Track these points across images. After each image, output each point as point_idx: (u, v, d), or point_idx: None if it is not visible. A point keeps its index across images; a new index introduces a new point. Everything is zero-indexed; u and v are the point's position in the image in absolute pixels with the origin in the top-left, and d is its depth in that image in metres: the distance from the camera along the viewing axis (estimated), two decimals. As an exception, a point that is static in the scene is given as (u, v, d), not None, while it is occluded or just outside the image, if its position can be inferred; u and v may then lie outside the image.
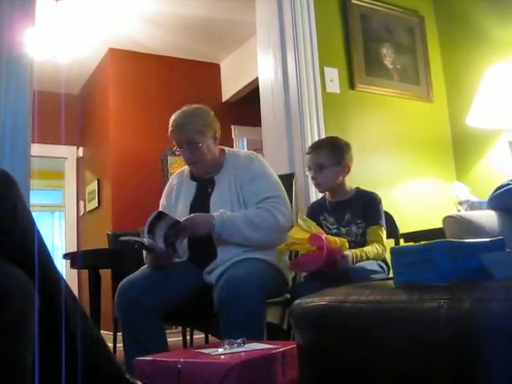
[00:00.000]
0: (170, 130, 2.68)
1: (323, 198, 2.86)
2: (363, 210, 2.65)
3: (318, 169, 2.68)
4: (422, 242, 3.05)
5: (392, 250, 1.59)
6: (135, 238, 2.45)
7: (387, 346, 1.37)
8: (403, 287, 1.46)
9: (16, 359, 1.07)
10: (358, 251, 2.45)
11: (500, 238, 1.51)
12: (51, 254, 1.28)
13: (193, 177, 2.81)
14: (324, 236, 2.33)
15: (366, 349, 1.43)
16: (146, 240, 2.39)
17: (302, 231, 2.41)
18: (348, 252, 2.39)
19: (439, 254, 1.42)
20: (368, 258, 2.46)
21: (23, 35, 2.76)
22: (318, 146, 2.77)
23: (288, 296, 2.68)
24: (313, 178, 2.73)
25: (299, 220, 2.51)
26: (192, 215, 2.48)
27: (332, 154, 2.68)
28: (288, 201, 2.70)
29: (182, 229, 2.42)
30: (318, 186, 2.75)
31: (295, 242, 2.42)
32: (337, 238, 2.41)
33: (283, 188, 2.73)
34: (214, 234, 2.50)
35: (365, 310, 1.46)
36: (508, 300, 1.16)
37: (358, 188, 2.76)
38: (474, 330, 1.19)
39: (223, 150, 2.80)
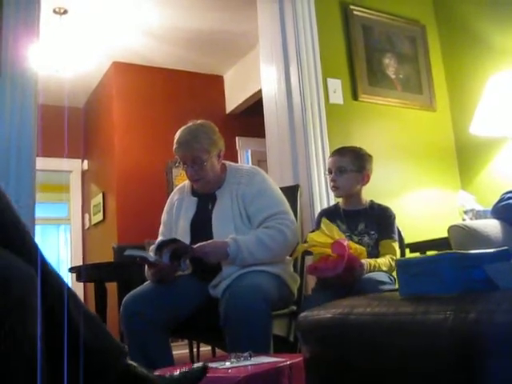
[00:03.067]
0: (174, 146, 2.67)
1: (336, 206, 2.87)
2: (377, 223, 2.67)
3: (338, 172, 2.71)
4: (428, 253, 3.06)
5: (397, 262, 1.59)
6: (140, 254, 2.47)
7: (393, 358, 1.37)
8: (409, 299, 1.46)
9: (26, 332, 1.09)
10: (372, 261, 2.45)
11: (505, 248, 1.51)
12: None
13: (194, 192, 2.81)
14: (346, 243, 2.33)
15: (372, 361, 1.43)
16: (151, 255, 2.41)
17: (324, 235, 2.42)
18: (363, 261, 2.40)
19: (444, 266, 1.42)
20: (380, 270, 2.47)
21: (27, 50, 2.77)
22: (342, 150, 2.80)
23: (294, 308, 2.68)
24: (332, 181, 2.74)
25: (322, 223, 2.51)
26: (204, 243, 2.46)
27: (355, 160, 2.72)
28: (293, 214, 2.70)
29: (191, 252, 2.43)
30: (335, 189, 2.75)
31: (316, 245, 2.43)
32: (357, 246, 2.42)
33: (287, 201, 2.73)
34: (226, 261, 2.49)
35: (370, 322, 1.46)
36: (513, 311, 1.16)
37: (372, 201, 2.79)
38: (480, 341, 1.19)
39: (224, 165, 2.80)
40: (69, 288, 1.30)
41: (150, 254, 2.51)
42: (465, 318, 1.22)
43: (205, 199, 2.74)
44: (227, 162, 2.83)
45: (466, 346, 1.21)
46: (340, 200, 2.87)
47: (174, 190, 2.97)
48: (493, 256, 1.47)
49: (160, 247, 2.44)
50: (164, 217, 2.89)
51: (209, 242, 2.48)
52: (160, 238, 2.80)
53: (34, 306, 1.13)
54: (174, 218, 2.80)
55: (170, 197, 2.95)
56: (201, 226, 2.65)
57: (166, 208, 2.91)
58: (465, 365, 1.21)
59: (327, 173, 2.82)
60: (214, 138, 2.70)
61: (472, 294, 1.32)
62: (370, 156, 2.80)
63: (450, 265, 1.41)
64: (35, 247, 1.26)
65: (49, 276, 1.25)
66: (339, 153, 2.79)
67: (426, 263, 1.50)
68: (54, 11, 5.21)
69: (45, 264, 1.25)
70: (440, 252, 1.53)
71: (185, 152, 2.65)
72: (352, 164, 2.70)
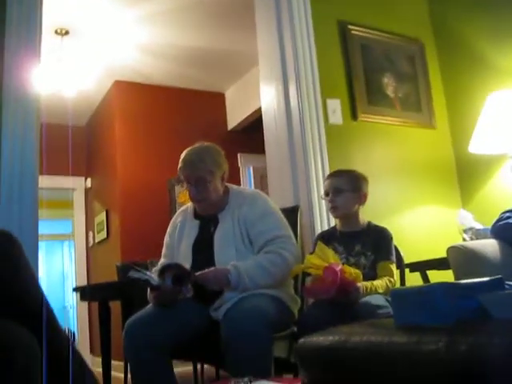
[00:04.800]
0: (179, 165, 2.69)
1: (333, 228, 2.91)
2: (374, 244, 2.69)
3: (336, 192, 2.74)
4: (428, 272, 3.07)
5: (391, 293, 1.61)
6: (143, 276, 2.48)
7: (388, 387, 1.39)
8: (403, 328, 1.47)
9: None
10: (368, 284, 2.46)
11: (498, 276, 1.53)
12: (55, 316, 1.31)
13: (196, 215, 2.83)
14: (339, 268, 2.34)
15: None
16: (154, 278, 2.43)
17: (319, 258, 2.44)
18: (359, 284, 2.41)
19: (438, 296, 1.44)
20: (377, 292, 2.47)
21: (29, 71, 2.81)
22: (338, 172, 2.87)
23: (295, 329, 2.69)
24: (330, 201, 2.77)
25: (317, 247, 2.54)
26: (206, 271, 2.47)
27: (350, 180, 2.77)
28: (294, 237, 2.72)
29: (192, 278, 2.45)
30: (333, 209, 2.78)
31: (311, 266, 2.45)
32: (352, 270, 2.43)
33: (288, 225, 2.75)
34: (228, 288, 2.50)
35: (365, 350, 1.47)
36: (504, 344, 1.18)
37: (369, 222, 2.81)
38: (472, 372, 1.20)
39: (227, 188, 2.81)
40: (73, 348, 1.32)
41: (153, 276, 2.52)
42: (456, 349, 1.23)
43: (207, 222, 2.76)
44: (230, 185, 2.85)
45: (457, 378, 1.22)
46: (337, 222, 2.89)
47: (177, 213, 2.99)
48: (486, 285, 1.49)
49: (163, 271, 2.47)
50: (166, 239, 2.91)
51: (210, 269, 2.49)
52: (162, 260, 2.81)
53: (37, 372, 1.15)
54: (176, 241, 2.82)
55: (172, 219, 2.96)
56: (202, 248, 2.67)
57: (168, 230, 2.92)
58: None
59: (323, 196, 2.86)
60: (219, 160, 2.73)
61: (465, 325, 1.34)
62: (365, 178, 2.83)
63: (443, 295, 1.43)
64: (41, 312, 1.27)
65: (54, 340, 1.27)
66: (335, 175, 2.85)
67: (419, 294, 1.52)
68: (56, 32, 5.27)
69: (52, 325, 1.27)
70: (432, 283, 1.54)
71: (189, 171, 2.67)
72: (348, 184, 2.75)
